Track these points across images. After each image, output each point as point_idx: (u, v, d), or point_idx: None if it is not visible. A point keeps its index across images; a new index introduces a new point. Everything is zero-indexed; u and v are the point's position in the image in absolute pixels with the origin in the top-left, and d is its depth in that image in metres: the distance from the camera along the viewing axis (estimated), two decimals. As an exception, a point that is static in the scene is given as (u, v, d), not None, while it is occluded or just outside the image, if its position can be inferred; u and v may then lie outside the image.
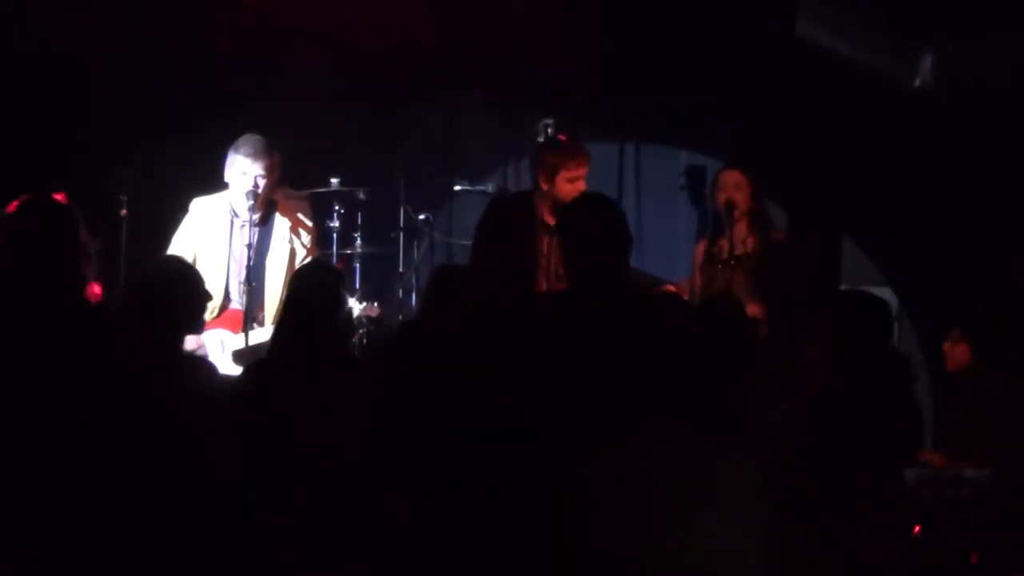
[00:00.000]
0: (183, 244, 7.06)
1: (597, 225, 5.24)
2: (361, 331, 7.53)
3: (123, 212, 7.38)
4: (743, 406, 4.23)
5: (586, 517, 3.46)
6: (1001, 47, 7.84)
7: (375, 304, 7.45)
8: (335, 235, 7.89)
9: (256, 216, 7.03)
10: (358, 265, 8.10)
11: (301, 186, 7.91)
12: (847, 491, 4.68)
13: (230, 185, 7.10)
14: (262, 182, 7.01)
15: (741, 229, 6.97)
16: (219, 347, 6.85)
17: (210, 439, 4.53)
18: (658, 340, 4.04)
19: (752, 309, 5.81)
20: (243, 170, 7.01)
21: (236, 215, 7.11)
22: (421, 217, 8.49)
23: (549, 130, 7.87)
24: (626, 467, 3.59)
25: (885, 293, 6.80)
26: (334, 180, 7.94)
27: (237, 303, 7.04)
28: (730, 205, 6.84)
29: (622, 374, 4.33)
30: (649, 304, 5.37)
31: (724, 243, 6.94)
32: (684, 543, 3.50)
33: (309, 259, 7.02)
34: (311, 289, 5.03)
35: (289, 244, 7.15)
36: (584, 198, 5.76)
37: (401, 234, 8.49)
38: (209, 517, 1.86)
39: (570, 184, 6.87)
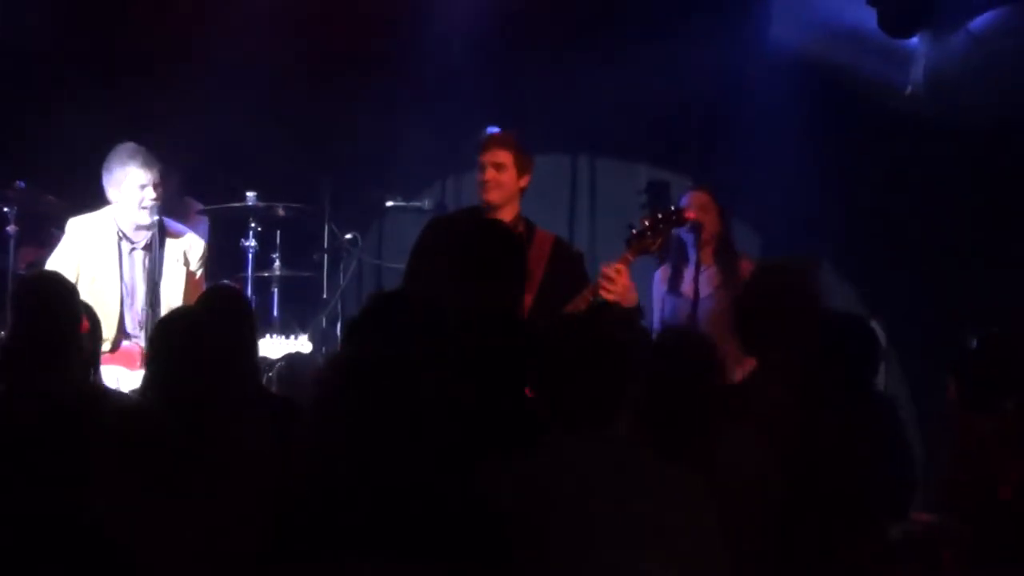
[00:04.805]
0: (61, 269, 6.70)
1: (478, 252, 5.19)
2: (277, 366, 7.40)
3: (9, 228, 7.23)
4: (704, 443, 4.15)
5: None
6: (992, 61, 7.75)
7: (305, 336, 7.26)
8: (251, 255, 7.57)
9: (149, 235, 6.88)
10: (276, 290, 7.83)
11: (211, 200, 7.81)
12: (822, 546, 4.41)
13: (120, 201, 6.92)
14: (159, 191, 6.88)
15: (706, 255, 6.92)
16: (114, 384, 6.45)
17: (106, 475, 4.18)
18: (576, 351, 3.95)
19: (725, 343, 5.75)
20: (139, 182, 6.83)
21: (124, 237, 6.97)
22: (348, 236, 8.31)
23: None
24: (545, 476, 3.68)
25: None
26: (250, 194, 7.63)
27: (133, 336, 6.90)
28: (696, 228, 6.73)
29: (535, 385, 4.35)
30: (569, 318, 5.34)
31: (688, 271, 6.93)
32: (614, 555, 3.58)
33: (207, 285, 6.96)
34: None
35: (184, 266, 7.01)
36: (481, 225, 5.84)
37: (325, 256, 8.31)
38: (89, 555, 2.19)
39: (480, 172, 6.65)
